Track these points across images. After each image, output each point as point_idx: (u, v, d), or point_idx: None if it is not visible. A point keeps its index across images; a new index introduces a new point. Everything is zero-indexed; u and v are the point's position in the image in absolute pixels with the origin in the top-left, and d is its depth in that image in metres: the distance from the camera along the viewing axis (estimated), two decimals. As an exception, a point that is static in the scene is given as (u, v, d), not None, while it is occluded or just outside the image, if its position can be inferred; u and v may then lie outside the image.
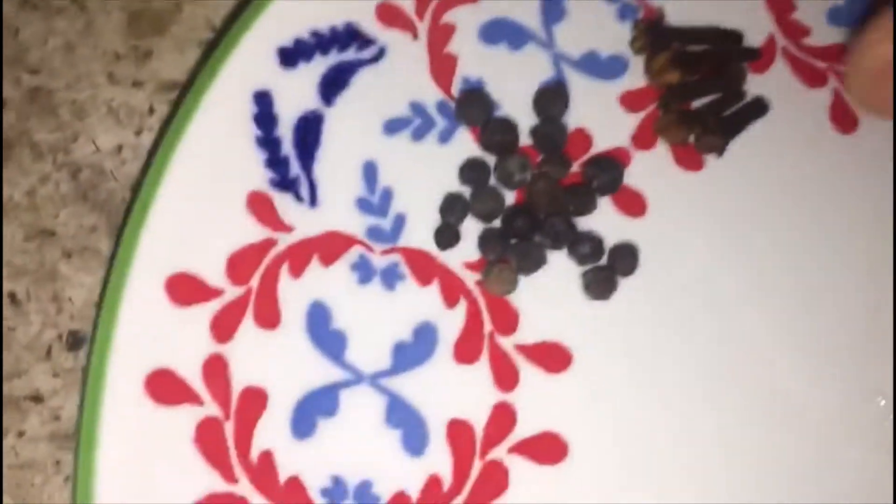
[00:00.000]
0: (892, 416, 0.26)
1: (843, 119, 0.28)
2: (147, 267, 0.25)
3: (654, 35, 0.28)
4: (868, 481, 0.26)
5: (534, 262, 0.27)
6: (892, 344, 0.27)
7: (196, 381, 0.25)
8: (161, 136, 0.27)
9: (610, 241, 0.27)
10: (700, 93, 0.28)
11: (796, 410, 0.27)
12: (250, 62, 0.27)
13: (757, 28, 0.29)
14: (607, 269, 0.27)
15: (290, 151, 0.27)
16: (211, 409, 0.25)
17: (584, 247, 0.27)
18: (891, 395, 0.26)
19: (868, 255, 0.27)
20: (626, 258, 0.27)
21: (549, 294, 0.27)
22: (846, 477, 0.26)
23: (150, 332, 0.25)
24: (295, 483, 0.25)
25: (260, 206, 0.26)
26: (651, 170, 0.28)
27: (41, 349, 0.28)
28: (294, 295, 0.26)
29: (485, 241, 0.27)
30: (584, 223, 0.27)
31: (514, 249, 0.27)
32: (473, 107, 0.27)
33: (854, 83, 0.25)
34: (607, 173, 0.27)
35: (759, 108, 0.28)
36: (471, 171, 0.27)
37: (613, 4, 0.28)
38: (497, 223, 0.27)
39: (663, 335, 0.27)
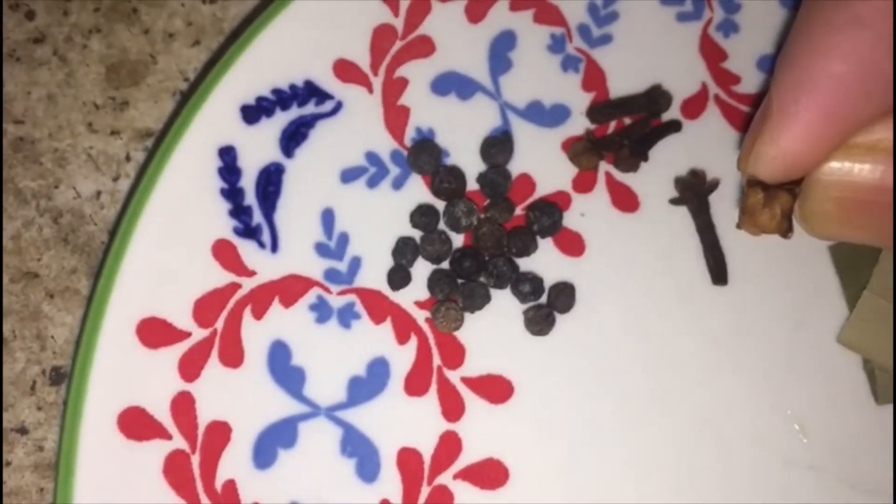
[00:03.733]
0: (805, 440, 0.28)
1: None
2: (120, 312, 0.26)
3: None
4: (782, 496, 0.27)
5: (479, 301, 0.28)
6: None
7: (165, 418, 0.26)
8: (136, 184, 0.28)
9: (550, 280, 0.28)
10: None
11: (720, 434, 0.27)
12: (215, 120, 0.27)
13: (690, 76, 0.30)
14: (547, 307, 0.28)
15: (252, 201, 0.28)
16: (179, 442, 0.26)
17: (526, 286, 0.28)
18: (805, 420, 0.28)
19: (788, 291, 0.28)
20: (564, 296, 0.28)
21: (494, 330, 0.28)
22: (768, 492, 0.27)
23: (123, 372, 0.26)
24: (256, 509, 0.26)
25: (225, 253, 0.27)
26: (590, 212, 0.29)
27: (26, 384, 0.29)
28: (256, 335, 0.27)
29: (434, 281, 0.28)
30: (526, 264, 0.28)
31: (460, 289, 0.28)
32: (424, 156, 0.28)
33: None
34: (548, 216, 0.28)
35: (670, 126, 0.29)
36: (421, 216, 0.28)
37: (557, 56, 0.29)
38: (445, 265, 0.28)
39: (599, 368, 0.28)
